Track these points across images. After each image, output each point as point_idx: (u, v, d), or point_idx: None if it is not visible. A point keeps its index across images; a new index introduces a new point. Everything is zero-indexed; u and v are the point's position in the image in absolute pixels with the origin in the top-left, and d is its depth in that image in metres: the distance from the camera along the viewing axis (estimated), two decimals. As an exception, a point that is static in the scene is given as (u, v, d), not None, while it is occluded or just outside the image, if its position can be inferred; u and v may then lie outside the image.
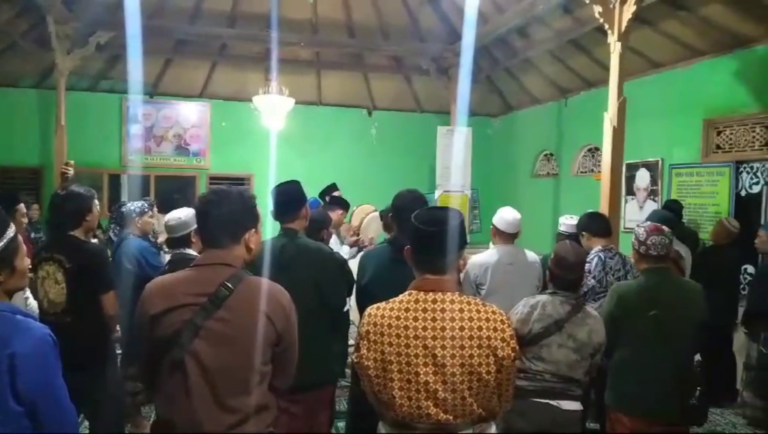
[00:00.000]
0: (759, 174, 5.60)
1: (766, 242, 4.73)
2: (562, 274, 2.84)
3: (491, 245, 3.94)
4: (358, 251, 5.26)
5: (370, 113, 10.17)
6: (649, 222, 3.16)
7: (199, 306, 1.76)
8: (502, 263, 3.64)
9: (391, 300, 1.89)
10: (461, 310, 1.80)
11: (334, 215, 4.98)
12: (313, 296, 2.87)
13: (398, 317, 1.81)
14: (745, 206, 5.67)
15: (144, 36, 6.55)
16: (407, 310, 1.82)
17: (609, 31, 4.83)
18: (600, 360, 3.09)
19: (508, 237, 3.74)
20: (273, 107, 7.46)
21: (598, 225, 3.93)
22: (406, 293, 1.88)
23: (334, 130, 9.86)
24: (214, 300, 1.76)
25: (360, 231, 6.04)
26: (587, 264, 3.62)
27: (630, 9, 4.66)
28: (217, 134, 9.49)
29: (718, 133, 6.02)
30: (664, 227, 3.08)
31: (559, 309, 2.79)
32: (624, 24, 4.73)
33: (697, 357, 3.18)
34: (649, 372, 2.92)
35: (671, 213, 5.01)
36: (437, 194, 8.34)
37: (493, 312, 1.84)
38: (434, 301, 1.81)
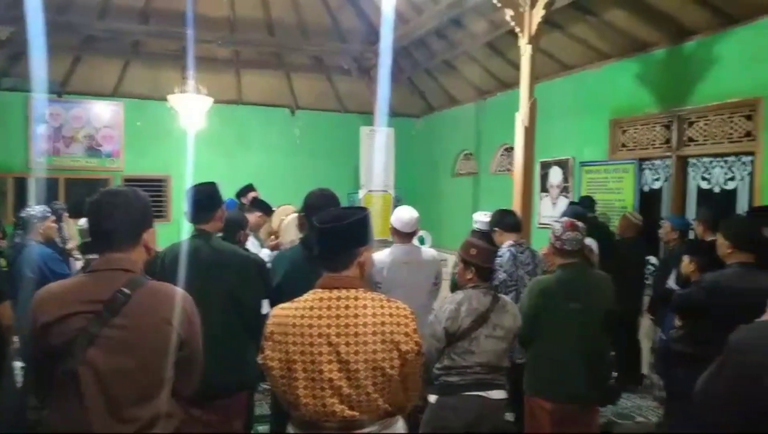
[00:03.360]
0: (660, 171, 5.96)
1: (670, 233, 5.05)
2: (483, 263, 2.94)
3: (415, 242, 4.00)
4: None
5: (292, 113, 10.07)
6: (565, 218, 3.28)
7: (93, 314, 1.68)
8: (397, 262, 3.68)
9: (296, 299, 1.88)
10: (365, 306, 1.82)
11: (253, 217, 4.90)
12: (227, 300, 2.82)
13: (302, 316, 1.81)
14: (647, 201, 6.03)
15: (50, 32, 6.21)
16: (311, 308, 1.82)
17: (520, 34, 5.00)
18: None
19: (405, 236, 3.77)
20: (190, 107, 7.25)
21: (509, 221, 4.07)
22: (311, 291, 1.88)
23: (256, 129, 9.70)
24: (110, 307, 1.69)
25: (280, 233, 5.96)
26: (499, 258, 3.75)
27: (539, 13, 4.84)
28: (132, 134, 9.11)
29: (623, 132, 6.36)
30: (578, 223, 3.24)
31: (483, 301, 2.89)
32: (534, 27, 4.91)
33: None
34: (567, 360, 3.07)
35: (583, 209, 5.25)
36: (361, 193, 8.37)
37: (397, 307, 1.86)
38: (338, 298, 1.82)
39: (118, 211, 1.79)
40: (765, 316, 2.29)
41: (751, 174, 5.01)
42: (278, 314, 1.87)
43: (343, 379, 1.77)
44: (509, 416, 4.17)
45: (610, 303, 3.21)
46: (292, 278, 2.83)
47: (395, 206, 8.98)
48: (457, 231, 7.45)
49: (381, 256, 3.73)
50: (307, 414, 1.80)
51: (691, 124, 5.58)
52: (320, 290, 1.86)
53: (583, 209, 5.28)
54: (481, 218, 4.34)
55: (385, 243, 7.94)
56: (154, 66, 8.85)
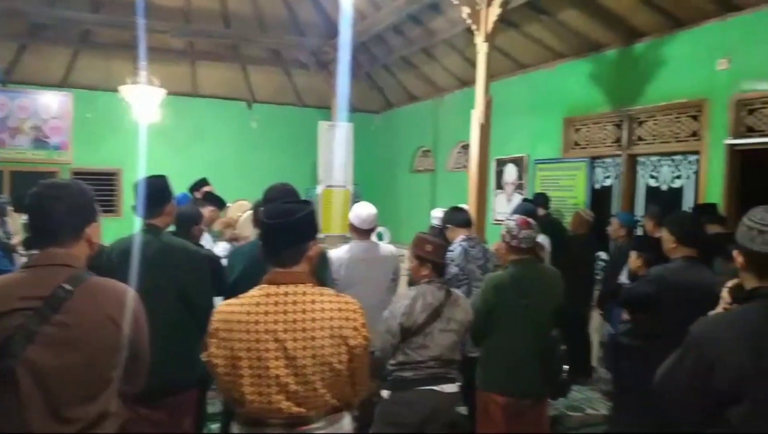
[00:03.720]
0: (610, 169, 6.12)
1: (618, 230, 5.19)
2: (438, 259, 2.98)
3: (373, 238, 4.00)
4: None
5: (249, 106, 9.92)
6: (518, 216, 3.32)
7: (33, 311, 1.62)
8: (355, 258, 3.67)
9: (241, 296, 1.85)
10: (313, 301, 1.81)
11: (206, 211, 4.80)
12: (176, 296, 2.77)
13: (248, 313, 1.78)
14: (598, 198, 6.18)
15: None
16: (258, 304, 1.79)
17: (476, 32, 5.05)
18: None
19: (364, 233, 3.76)
20: (143, 98, 7.07)
21: (460, 218, 4.10)
22: (258, 287, 1.85)
23: (212, 122, 9.52)
24: (50, 303, 1.63)
25: (237, 228, 5.87)
26: (450, 253, 3.78)
27: (495, 11, 4.90)
28: (82, 125, 8.81)
29: (576, 130, 6.50)
30: (531, 220, 3.29)
31: (437, 296, 2.93)
32: (490, 25, 4.96)
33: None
34: (519, 355, 3.11)
35: (533, 206, 5.34)
36: (319, 189, 8.31)
37: (346, 302, 1.86)
38: (285, 294, 1.80)
39: (59, 204, 1.72)
40: (719, 308, 2.39)
41: (697, 173, 5.19)
42: (223, 310, 1.83)
43: (290, 375, 1.75)
44: (462, 410, 4.23)
45: (561, 298, 3.28)
46: (251, 274, 2.77)
47: (354, 202, 8.99)
48: (415, 227, 7.42)
49: (339, 253, 3.71)
50: (253, 411, 1.77)
51: (640, 123, 5.74)
52: (267, 285, 1.84)
53: (533, 206, 5.37)
54: (439, 214, 4.38)
55: (344, 239, 7.97)
56: (105, 56, 8.59)
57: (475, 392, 3.35)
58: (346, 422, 1.93)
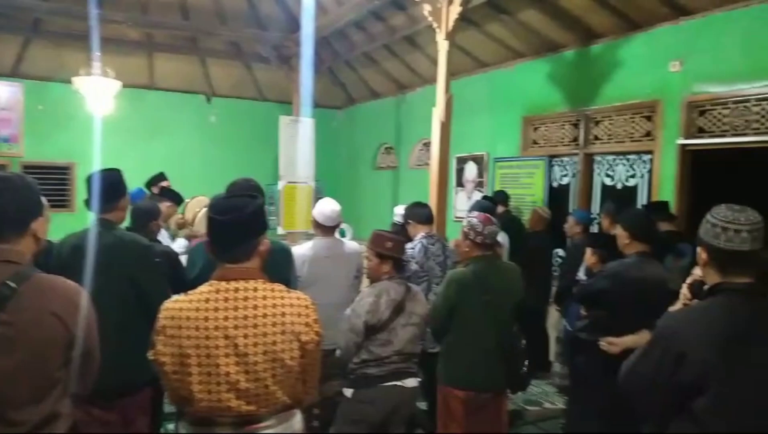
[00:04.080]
0: (568, 167, 6.23)
1: (574, 227, 5.29)
2: (399, 255, 3.02)
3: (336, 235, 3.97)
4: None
5: (209, 100, 9.74)
6: (479, 213, 3.34)
7: None
8: (319, 256, 3.65)
9: (190, 292, 1.82)
10: (264, 297, 1.79)
11: (163, 207, 4.71)
12: (129, 293, 2.71)
13: (197, 309, 1.75)
14: (556, 196, 6.29)
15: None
16: (207, 301, 1.76)
17: (437, 30, 5.06)
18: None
19: (328, 230, 3.74)
20: (97, 90, 6.85)
21: (421, 213, 4.10)
22: (207, 283, 1.82)
23: (170, 116, 9.31)
24: None
25: (194, 225, 5.76)
26: (411, 250, 3.80)
27: (456, 9, 4.92)
28: (33, 118, 8.49)
29: (535, 129, 6.60)
30: (492, 217, 3.33)
31: (399, 291, 2.96)
32: (451, 23, 4.98)
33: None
34: (481, 350, 3.14)
35: (491, 203, 5.38)
36: (280, 185, 8.22)
37: (297, 298, 1.85)
38: (236, 290, 1.78)
39: (2, 198, 1.66)
40: (679, 304, 2.46)
41: (650, 172, 5.33)
42: (171, 307, 1.79)
43: (241, 373, 1.73)
44: (422, 405, 4.25)
45: (520, 294, 3.33)
46: (209, 271, 2.73)
47: (316, 199, 8.93)
48: (377, 224, 7.39)
49: (302, 250, 3.68)
50: (201, 410, 1.74)
51: (597, 123, 5.87)
52: (217, 282, 1.81)
53: (490, 203, 5.39)
54: (402, 211, 4.39)
55: (307, 236, 7.91)
56: (58, 45, 8.29)
57: (436, 387, 3.38)
58: (297, 420, 1.92)
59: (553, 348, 5.86)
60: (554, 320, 5.84)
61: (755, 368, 1.69)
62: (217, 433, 1.76)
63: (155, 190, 5.47)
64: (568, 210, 5.98)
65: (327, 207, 3.73)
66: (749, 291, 1.77)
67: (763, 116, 4.48)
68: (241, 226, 1.81)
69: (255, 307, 1.76)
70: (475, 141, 7.23)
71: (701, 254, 1.84)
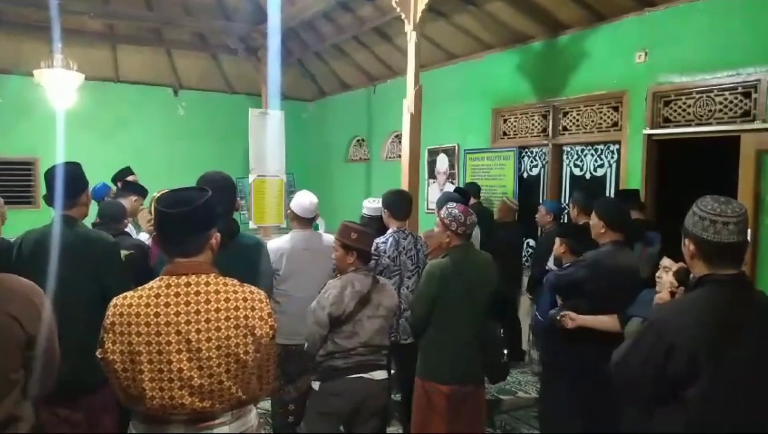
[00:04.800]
0: (537, 158, 6.28)
1: (545, 216, 5.34)
2: (363, 246, 3.00)
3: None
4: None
5: (176, 92, 9.56)
6: (457, 204, 3.33)
7: None
8: (297, 248, 3.62)
9: (140, 288, 1.78)
10: (217, 292, 1.76)
11: (128, 202, 4.62)
12: (92, 290, 2.64)
13: (147, 305, 1.72)
14: (526, 186, 6.34)
15: None
16: (158, 296, 1.73)
17: (405, 20, 5.03)
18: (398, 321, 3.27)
19: (306, 222, 3.72)
20: (59, 83, 6.66)
21: (399, 208, 3.96)
22: (157, 279, 1.79)
23: (136, 109, 9.09)
24: None
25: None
26: (383, 244, 3.78)
27: (424, 0, 4.89)
28: (-8, 111, 8.25)
29: (504, 120, 6.64)
30: (469, 208, 3.34)
31: (365, 283, 2.95)
32: (419, 14, 4.95)
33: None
34: (461, 342, 3.14)
35: (458, 195, 5.39)
36: (251, 178, 8.13)
37: (251, 292, 1.83)
38: (187, 284, 1.75)
39: None
40: (664, 292, 2.50)
41: (618, 162, 5.40)
42: (120, 304, 1.75)
43: (194, 369, 1.70)
44: (396, 397, 4.26)
45: (495, 283, 3.34)
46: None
47: (288, 192, 8.86)
48: (350, 217, 7.32)
49: (280, 242, 3.66)
50: (153, 408, 1.71)
51: (565, 114, 5.92)
52: (167, 276, 1.77)
53: (457, 195, 5.38)
54: (370, 204, 4.35)
55: (278, 230, 7.83)
56: (17, 37, 8.01)
57: (411, 379, 3.36)
58: (253, 415, 1.91)
59: (526, 336, 5.93)
60: (527, 310, 5.90)
61: (743, 358, 1.73)
62: (171, 432, 1.73)
63: (120, 184, 5.36)
64: (539, 200, 6.04)
65: (305, 199, 3.72)
66: (736, 282, 1.80)
67: (726, 106, 4.56)
68: (189, 219, 1.77)
69: (207, 301, 1.74)
70: (447, 133, 7.23)
71: (689, 246, 1.85)
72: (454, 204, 3.32)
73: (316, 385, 2.97)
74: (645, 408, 1.87)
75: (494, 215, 6.05)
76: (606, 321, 3.11)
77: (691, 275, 1.94)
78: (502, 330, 3.54)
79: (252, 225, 7.72)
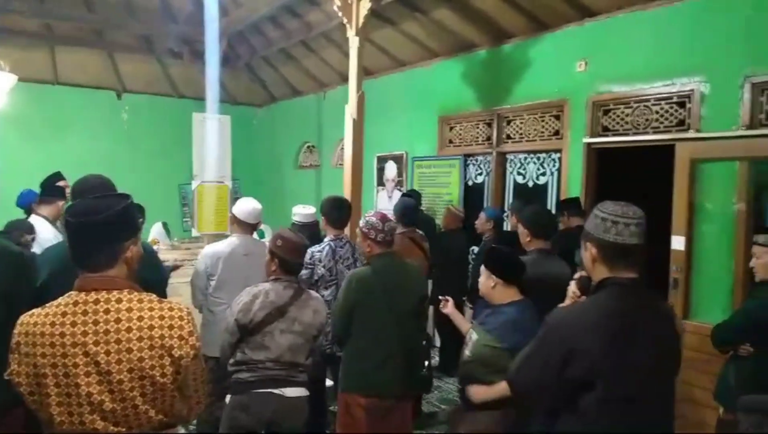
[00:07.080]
0: (482, 166, 6.29)
1: (485, 224, 5.33)
2: (285, 255, 2.85)
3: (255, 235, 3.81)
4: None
5: (119, 96, 9.27)
6: (376, 212, 3.27)
7: None
8: (236, 253, 3.53)
9: (48, 304, 1.64)
10: (129, 309, 1.62)
11: (55, 207, 4.41)
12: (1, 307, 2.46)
13: (53, 324, 1.58)
14: (472, 194, 6.34)
15: None
16: (64, 314, 1.59)
17: (348, 26, 4.98)
18: (323, 341, 3.14)
19: (247, 227, 3.64)
20: (-11, 84, 6.37)
21: (335, 217, 3.90)
22: (66, 295, 1.65)
23: (77, 113, 8.77)
24: None
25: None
26: (318, 253, 3.68)
27: (366, 5, 4.86)
28: None
29: (451, 128, 6.63)
30: (387, 214, 3.26)
31: (282, 295, 2.82)
32: (361, 19, 4.91)
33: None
34: (383, 353, 3.05)
35: (413, 200, 5.35)
36: (194, 184, 7.92)
37: (170, 309, 1.69)
38: (96, 301, 1.61)
39: None
40: (567, 300, 2.46)
41: (559, 170, 5.44)
42: (26, 322, 1.62)
43: (105, 392, 1.57)
44: (334, 408, 4.15)
45: (424, 291, 3.28)
46: (62, 277, 2.49)
47: (233, 198, 8.67)
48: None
49: (217, 247, 3.57)
50: (64, 433, 1.58)
51: (509, 122, 5.95)
52: (76, 292, 1.64)
53: (413, 200, 5.37)
54: (302, 210, 4.25)
55: (221, 238, 7.63)
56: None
57: (340, 394, 3.27)
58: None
59: (470, 345, 5.88)
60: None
61: (640, 363, 1.70)
62: None
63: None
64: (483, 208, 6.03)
65: (248, 204, 3.65)
66: (635, 286, 1.78)
67: (662, 115, 4.64)
68: (99, 229, 1.63)
69: (118, 320, 1.60)
70: (395, 140, 7.20)
71: (590, 249, 1.83)
72: (373, 212, 3.27)
73: (227, 398, 2.84)
74: (546, 419, 1.82)
75: (439, 223, 6.01)
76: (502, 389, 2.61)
77: (592, 283, 1.90)
78: (426, 341, 3.46)
79: (195, 233, 7.51)
